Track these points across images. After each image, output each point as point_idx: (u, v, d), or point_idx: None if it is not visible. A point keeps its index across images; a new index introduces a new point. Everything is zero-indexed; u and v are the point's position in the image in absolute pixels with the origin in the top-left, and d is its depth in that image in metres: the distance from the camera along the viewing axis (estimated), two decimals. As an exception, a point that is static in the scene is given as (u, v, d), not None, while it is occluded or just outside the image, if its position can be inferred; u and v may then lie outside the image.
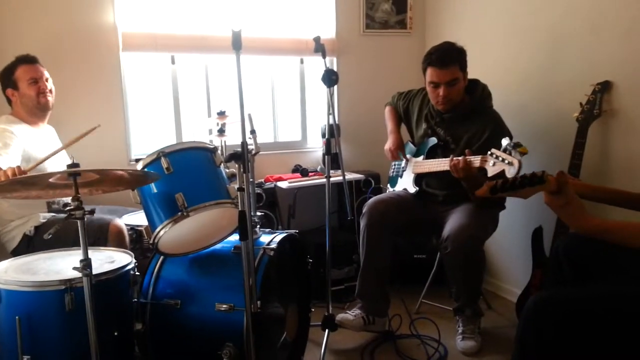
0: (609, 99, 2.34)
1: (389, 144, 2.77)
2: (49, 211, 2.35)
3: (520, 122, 2.66)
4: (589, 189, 1.65)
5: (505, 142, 2.02)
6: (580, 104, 2.36)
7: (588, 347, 1.34)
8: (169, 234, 1.78)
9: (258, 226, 2.14)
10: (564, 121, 2.47)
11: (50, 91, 2.45)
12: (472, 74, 2.55)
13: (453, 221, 2.37)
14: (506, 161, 1.96)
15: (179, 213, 1.75)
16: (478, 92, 2.52)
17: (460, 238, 2.27)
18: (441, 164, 2.41)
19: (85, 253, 1.51)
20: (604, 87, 2.33)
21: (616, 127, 2.34)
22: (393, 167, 2.92)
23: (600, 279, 1.62)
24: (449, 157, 2.31)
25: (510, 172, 1.93)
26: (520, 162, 1.92)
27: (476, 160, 2.15)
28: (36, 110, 2.41)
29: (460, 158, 2.21)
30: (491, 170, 2.04)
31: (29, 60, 2.40)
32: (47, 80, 2.44)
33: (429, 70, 2.44)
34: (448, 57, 2.39)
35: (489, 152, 2.06)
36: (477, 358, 2.37)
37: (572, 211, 1.38)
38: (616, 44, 2.31)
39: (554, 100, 2.66)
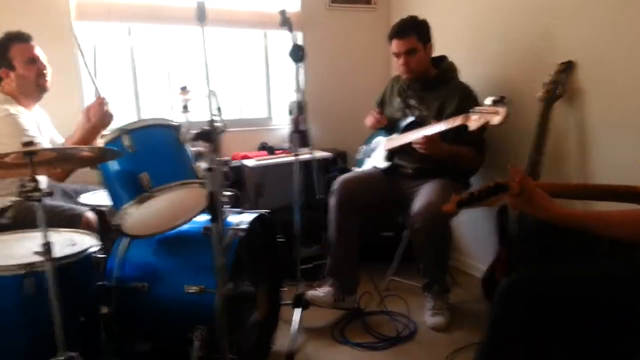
0: (572, 79, 2.37)
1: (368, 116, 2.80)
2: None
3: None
4: (556, 187, 1.59)
5: (489, 100, 2.04)
6: (543, 83, 2.37)
7: (560, 328, 1.36)
8: (134, 215, 1.70)
9: (226, 206, 2.08)
10: (527, 101, 2.49)
11: (47, 71, 2.28)
12: (435, 50, 2.61)
13: (421, 198, 2.38)
14: (491, 111, 1.98)
15: (144, 193, 1.67)
16: (444, 65, 2.61)
17: (428, 215, 2.28)
18: (416, 134, 2.42)
19: (45, 236, 1.42)
20: (567, 67, 2.35)
21: (579, 107, 2.38)
22: (361, 150, 2.91)
23: (569, 256, 1.65)
24: (425, 126, 2.39)
25: (495, 120, 1.95)
26: (506, 110, 1.93)
27: (457, 119, 2.19)
28: (34, 92, 2.27)
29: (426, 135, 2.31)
30: (473, 124, 2.08)
31: (23, 38, 2.22)
32: (44, 59, 2.27)
33: (391, 42, 2.55)
34: (405, 28, 2.51)
35: (472, 110, 2.11)
36: (446, 333, 2.41)
37: (537, 202, 1.37)
38: (577, 24, 2.34)
39: (516, 79, 2.67)
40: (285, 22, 2.21)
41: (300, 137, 2.45)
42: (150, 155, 1.75)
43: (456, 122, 2.19)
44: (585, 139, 2.37)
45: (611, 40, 2.21)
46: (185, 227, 1.92)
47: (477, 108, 2.08)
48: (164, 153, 1.79)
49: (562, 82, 2.34)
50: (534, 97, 2.38)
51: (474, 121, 2.06)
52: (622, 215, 1.33)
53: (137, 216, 1.72)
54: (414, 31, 2.50)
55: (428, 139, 2.31)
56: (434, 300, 2.51)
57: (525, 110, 2.49)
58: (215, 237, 1.63)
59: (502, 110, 1.94)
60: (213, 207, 1.61)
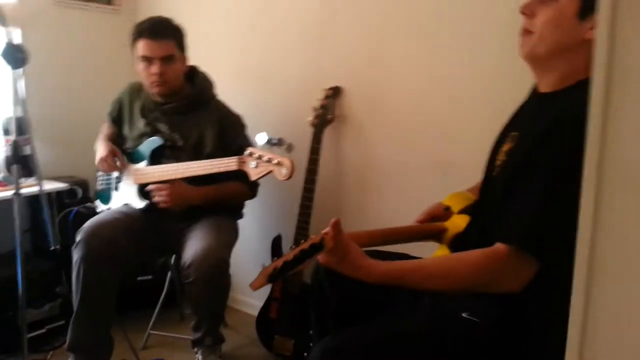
0: (340, 104, 2.36)
1: (100, 154, 2.23)
2: None
3: (256, 124, 2.47)
4: (367, 237, 1.45)
5: (263, 138, 1.79)
6: (314, 108, 2.30)
7: None
8: None
9: None
10: (299, 126, 2.37)
11: None
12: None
13: (193, 244, 2.00)
14: (274, 161, 1.72)
15: None
16: (199, 80, 2.25)
17: (203, 264, 1.93)
18: (173, 171, 2.03)
19: None
20: (335, 92, 2.33)
21: (348, 132, 2.38)
22: (101, 178, 2.37)
23: (370, 302, 1.52)
24: (180, 159, 2.02)
25: (282, 173, 1.70)
26: (292, 162, 1.69)
27: (231, 163, 1.84)
28: None
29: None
30: (255, 174, 1.77)
31: None
32: None
33: (141, 43, 2.08)
34: (163, 28, 2.08)
35: (247, 152, 1.79)
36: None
37: (351, 261, 1.18)
38: (343, 49, 2.33)
39: (288, 103, 2.55)
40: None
41: (22, 164, 1.94)
42: None
43: (230, 167, 1.84)
44: (354, 162, 2.37)
45: (374, 69, 2.25)
46: None
47: (255, 151, 1.77)
48: None
49: (331, 108, 2.31)
50: (306, 122, 2.28)
51: (253, 171, 1.76)
52: (447, 264, 1.22)
53: None
54: (172, 34, 2.11)
55: (173, 192, 1.99)
56: (205, 355, 2.16)
57: (301, 135, 2.34)
58: None
59: (288, 162, 1.69)
60: None
